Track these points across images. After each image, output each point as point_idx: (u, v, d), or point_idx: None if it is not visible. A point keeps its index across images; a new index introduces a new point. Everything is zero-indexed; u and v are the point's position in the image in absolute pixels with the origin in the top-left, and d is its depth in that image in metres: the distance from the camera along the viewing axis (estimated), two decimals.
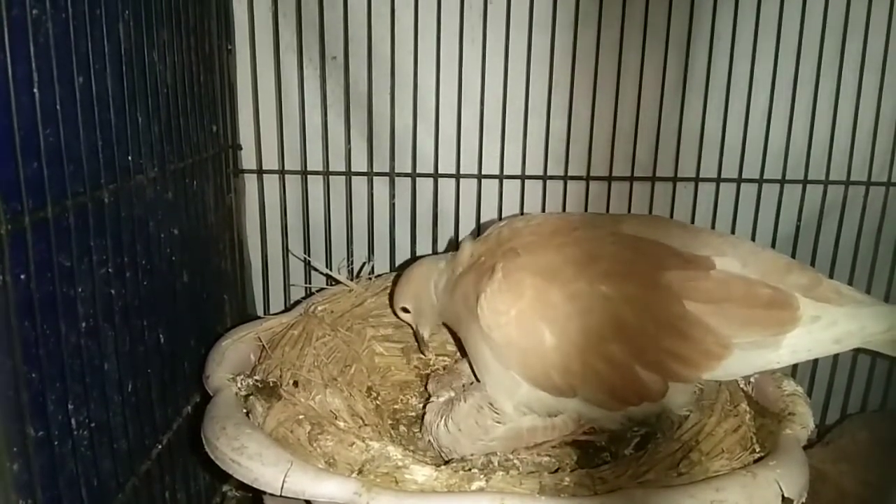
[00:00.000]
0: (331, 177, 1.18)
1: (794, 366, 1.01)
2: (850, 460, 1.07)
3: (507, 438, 0.87)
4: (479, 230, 1.18)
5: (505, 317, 0.82)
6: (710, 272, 0.80)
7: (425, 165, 1.18)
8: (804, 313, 0.78)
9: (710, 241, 0.85)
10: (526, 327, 0.82)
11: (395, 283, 1.06)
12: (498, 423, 0.87)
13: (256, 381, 0.86)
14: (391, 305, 1.06)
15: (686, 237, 0.85)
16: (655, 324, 0.79)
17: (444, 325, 1.03)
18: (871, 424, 1.16)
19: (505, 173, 1.17)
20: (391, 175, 1.18)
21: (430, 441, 0.92)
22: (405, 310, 1.02)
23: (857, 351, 1.14)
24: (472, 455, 0.85)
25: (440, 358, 1.09)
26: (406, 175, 1.18)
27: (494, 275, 0.84)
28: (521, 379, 0.85)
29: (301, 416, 0.80)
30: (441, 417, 0.90)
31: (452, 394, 0.94)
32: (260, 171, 1.17)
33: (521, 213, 1.18)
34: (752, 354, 0.79)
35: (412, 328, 1.05)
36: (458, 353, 1.06)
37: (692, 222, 1.17)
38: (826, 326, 0.78)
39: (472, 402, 0.89)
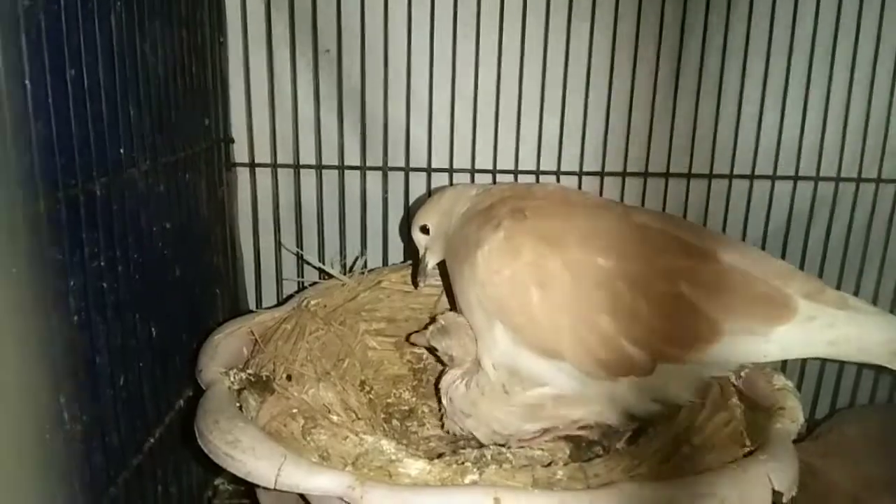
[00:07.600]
0: (323, 170, 1.17)
1: (784, 360, 1.02)
2: (840, 454, 1.08)
3: (530, 405, 0.88)
4: None
5: (499, 275, 0.84)
6: (710, 262, 0.81)
7: (418, 160, 1.18)
8: (800, 312, 0.78)
9: (717, 240, 0.86)
10: (518, 288, 0.83)
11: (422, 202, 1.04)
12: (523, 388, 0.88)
13: (249, 375, 0.86)
14: (410, 227, 1.04)
15: (694, 233, 0.86)
16: (647, 301, 0.80)
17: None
18: (860, 419, 1.17)
19: (498, 168, 1.17)
20: (384, 169, 1.18)
21: (444, 405, 0.93)
22: (425, 229, 1.01)
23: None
24: (488, 425, 0.86)
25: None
26: (399, 169, 1.18)
27: (497, 232, 0.85)
28: (510, 336, 0.86)
29: (294, 410, 0.80)
30: (462, 379, 0.91)
31: (469, 363, 0.93)
32: (252, 165, 1.17)
33: None
34: (741, 342, 0.80)
35: (420, 254, 1.03)
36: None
37: (684, 217, 1.17)
38: (823, 327, 0.79)
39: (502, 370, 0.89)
